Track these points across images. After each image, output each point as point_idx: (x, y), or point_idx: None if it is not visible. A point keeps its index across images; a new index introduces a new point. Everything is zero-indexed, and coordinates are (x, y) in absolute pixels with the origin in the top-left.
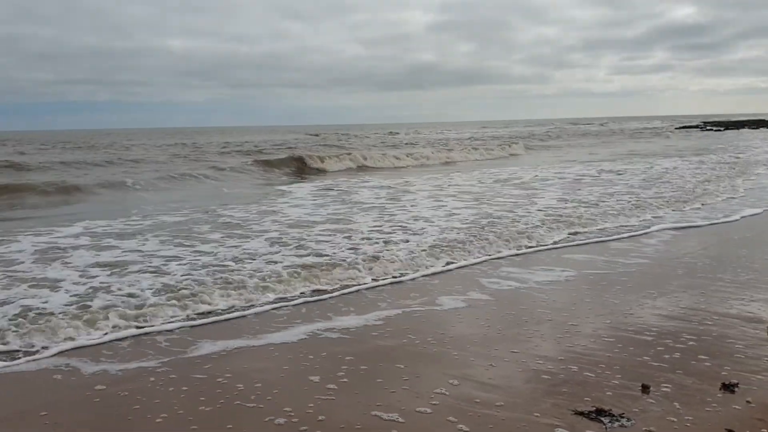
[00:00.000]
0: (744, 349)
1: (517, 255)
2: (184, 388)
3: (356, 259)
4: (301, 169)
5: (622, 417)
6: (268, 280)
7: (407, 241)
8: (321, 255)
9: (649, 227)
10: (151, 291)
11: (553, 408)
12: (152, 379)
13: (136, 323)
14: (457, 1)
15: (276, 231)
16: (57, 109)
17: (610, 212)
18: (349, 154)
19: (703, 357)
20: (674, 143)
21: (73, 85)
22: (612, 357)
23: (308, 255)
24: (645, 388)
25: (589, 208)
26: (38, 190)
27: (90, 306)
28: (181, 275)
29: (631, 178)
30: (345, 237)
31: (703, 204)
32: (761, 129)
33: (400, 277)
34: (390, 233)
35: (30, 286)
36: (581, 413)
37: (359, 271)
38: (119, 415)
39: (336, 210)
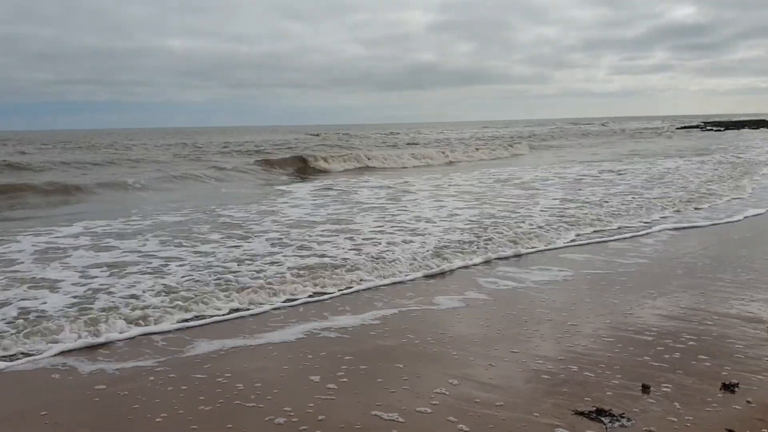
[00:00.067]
0: (744, 349)
1: (518, 255)
2: (184, 388)
3: (359, 260)
4: (303, 169)
5: (623, 417)
6: (273, 282)
7: (409, 242)
8: (324, 256)
9: (650, 227)
10: (150, 291)
11: (554, 408)
12: (151, 378)
13: (135, 323)
14: (457, 1)
15: (277, 231)
16: (57, 109)
17: (615, 212)
18: (352, 154)
19: (703, 357)
20: (676, 143)
21: (73, 85)
22: (612, 357)
23: (310, 256)
24: (645, 388)
25: (593, 208)
26: (38, 190)
27: (90, 306)
28: (181, 276)
29: (633, 178)
30: (347, 238)
31: (709, 205)
32: (761, 129)
33: (403, 278)
34: (391, 234)
35: (30, 286)
36: (581, 413)
37: (365, 273)
38: (119, 415)
39: (337, 210)
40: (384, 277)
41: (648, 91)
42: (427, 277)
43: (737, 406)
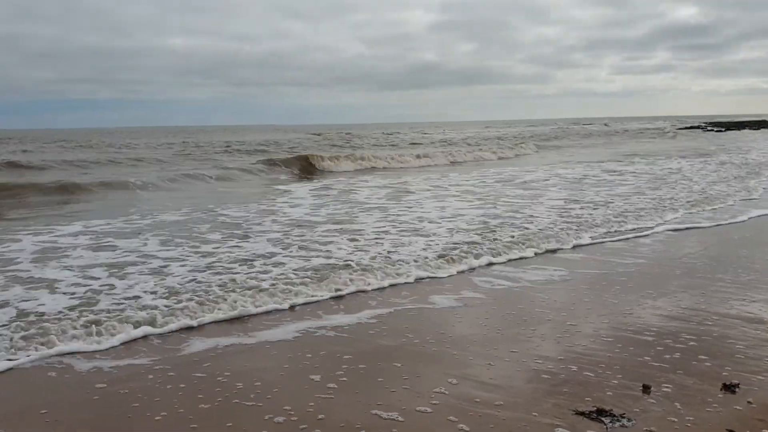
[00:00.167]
0: (745, 350)
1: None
2: (183, 387)
3: (365, 261)
4: (306, 168)
5: (623, 417)
6: (277, 283)
7: (412, 244)
8: (329, 257)
9: (653, 227)
10: (150, 291)
11: (554, 408)
12: (151, 377)
13: (135, 323)
14: (458, 1)
15: (279, 231)
16: (58, 108)
17: (623, 213)
18: (356, 154)
19: (703, 357)
20: (679, 144)
21: (74, 83)
22: (612, 357)
23: (315, 257)
24: (646, 389)
25: (598, 209)
26: (39, 189)
27: (90, 306)
28: (181, 276)
29: (636, 179)
30: (350, 239)
31: (722, 205)
32: (762, 129)
33: (407, 278)
34: (394, 235)
35: (29, 286)
36: (582, 413)
37: (372, 275)
38: (119, 413)
39: (338, 210)
40: (394, 276)
41: (649, 91)
42: (437, 279)
43: (738, 407)
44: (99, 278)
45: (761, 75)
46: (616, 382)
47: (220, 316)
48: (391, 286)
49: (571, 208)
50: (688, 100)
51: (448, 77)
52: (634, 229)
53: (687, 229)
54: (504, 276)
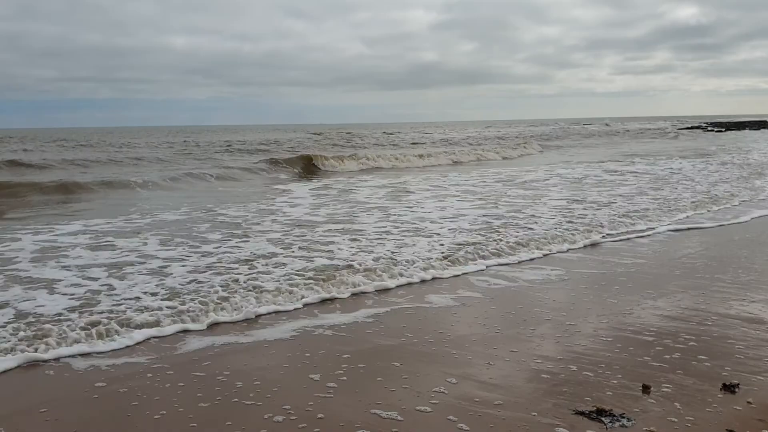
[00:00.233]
0: (744, 350)
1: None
2: (183, 385)
3: (369, 263)
4: (308, 168)
5: (623, 417)
6: (280, 283)
7: (416, 244)
8: (331, 258)
9: (654, 228)
10: (151, 293)
11: (554, 408)
12: (150, 376)
13: (135, 323)
14: (459, 1)
15: (279, 231)
16: (59, 107)
17: (630, 213)
18: (358, 153)
19: (703, 357)
20: (680, 144)
21: (76, 82)
22: (612, 357)
23: (317, 257)
24: (645, 388)
25: (601, 209)
26: (40, 188)
27: (89, 306)
28: (181, 277)
29: (637, 179)
30: (352, 239)
31: (727, 205)
32: (762, 130)
33: (410, 279)
34: (396, 235)
35: (29, 286)
36: (582, 413)
37: (377, 276)
38: (119, 412)
39: (338, 210)
40: (398, 277)
41: (650, 91)
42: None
43: (738, 407)
44: (99, 278)
45: (762, 75)
46: (615, 382)
47: (222, 318)
48: (397, 287)
49: (573, 208)
50: (688, 101)
51: (449, 77)
52: (636, 230)
53: (688, 229)
54: (501, 275)
